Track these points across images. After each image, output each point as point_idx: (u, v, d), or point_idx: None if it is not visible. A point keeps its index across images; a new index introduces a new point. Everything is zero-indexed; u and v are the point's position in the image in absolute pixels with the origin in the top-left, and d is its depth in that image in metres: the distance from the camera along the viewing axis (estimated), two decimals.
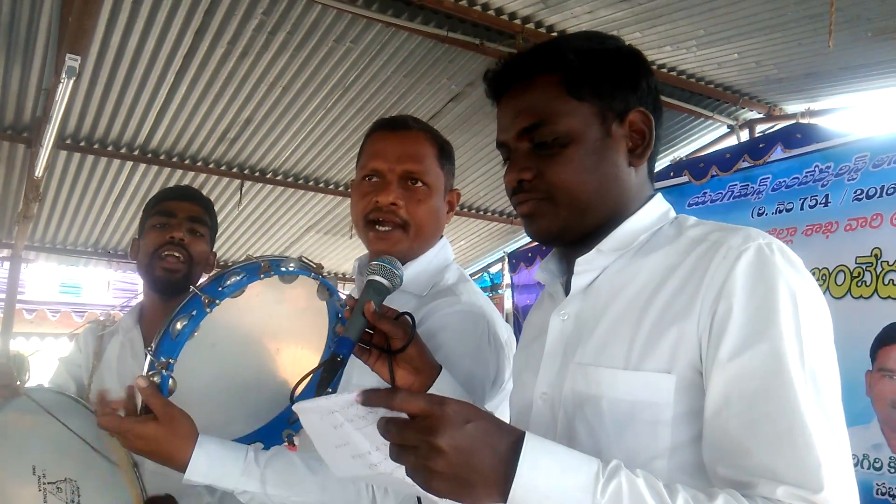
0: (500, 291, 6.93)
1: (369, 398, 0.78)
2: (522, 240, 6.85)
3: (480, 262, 7.51)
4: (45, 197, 5.23)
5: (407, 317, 1.14)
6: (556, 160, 0.97)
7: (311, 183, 5.58)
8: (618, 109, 0.99)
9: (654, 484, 0.76)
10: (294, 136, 4.87)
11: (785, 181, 3.83)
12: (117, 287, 6.89)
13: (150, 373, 1.14)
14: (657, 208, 1.02)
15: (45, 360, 6.55)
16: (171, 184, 5.25)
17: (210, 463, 1.15)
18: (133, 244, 1.78)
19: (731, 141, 5.11)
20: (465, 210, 6.21)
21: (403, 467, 0.79)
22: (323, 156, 5.18)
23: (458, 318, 1.32)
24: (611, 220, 0.99)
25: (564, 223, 0.99)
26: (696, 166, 4.47)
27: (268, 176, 5.41)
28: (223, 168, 5.24)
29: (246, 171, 5.33)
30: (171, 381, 1.14)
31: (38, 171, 3.98)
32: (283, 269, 1.20)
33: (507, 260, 6.75)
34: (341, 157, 5.21)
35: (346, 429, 0.83)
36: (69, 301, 7.05)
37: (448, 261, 1.47)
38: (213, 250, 1.85)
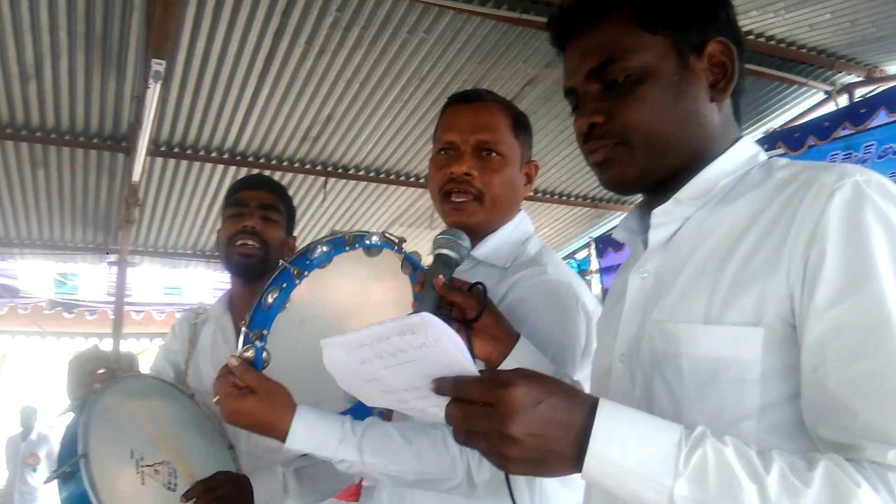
0: (587, 278, 6.81)
1: (438, 386, 0.77)
2: (609, 224, 6.71)
3: (566, 249, 7.40)
4: (145, 203, 5.51)
5: (479, 287, 1.13)
6: (629, 99, 0.90)
7: (392, 176, 5.64)
8: (695, 41, 0.91)
9: (745, 452, 0.70)
10: (374, 130, 4.94)
11: (892, 147, 3.59)
12: (217, 287, 7.18)
13: (246, 346, 1.17)
14: (744, 151, 0.93)
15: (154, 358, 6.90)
16: None
17: (309, 432, 1.17)
18: (217, 236, 1.84)
19: (829, 108, 4.82)
20: (549, 196, 6.13)
21: (436, 405, 0.78)
22: (402, 148, 5.23)
23: (543, 287, 1.30)
24: (693, 163, 0.91)
25: (642, 168, 0.91)
26: (791, 137, 4.25)
27: (350, 172, 5.51)
28: (307, 166, 5.37)
29: (329, 168, 5.45)
30: (265, 352, 1.17)
31: (136, 175, 4.19)
32: (368, 242, 1.22)
33: (593, 245, 6.63)
34: (420, 149, 5.24)
35: (374, 365, 0.82)
36: (173, 302, 7.42)
37: (528, 233, 1.45)
38: (294, 235, 1.88)
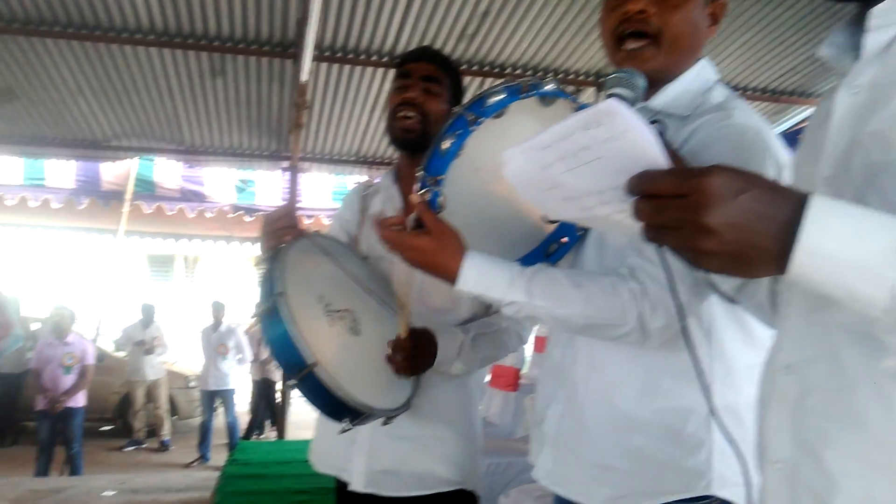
0: None
1: (630, 186, 0.74)
2: (791, 120, 6.15)
3: None
4: (312, 109, 5.76)
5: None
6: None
7: (550, 75, 5.48)
8: None
9: None
10: (531, 24, 4.78)
11: None
12: None
13: (422, 191, 1.20)
14: None
15: None
16: None
17: (479, 274, 1.19)
18: (387, 106, 1.88)
19: None
20: None
21: (620, 210, 0.74)
22: (561, 43, 5.04)
23: (728, 132, 1.19)
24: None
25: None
26: None
27: (507, 71, 5.41)
28: (464, 67, 5.33)
29: (486, 68, 5.38)
30: (440, 197, 1.20)
31: (304, 75, 4.35)
32: (543, 89, 1.19)
33: None
34: (581, 43, 5.03)
35: (556, 169, 0.80)
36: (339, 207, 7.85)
37: (711, 81, 1.33)
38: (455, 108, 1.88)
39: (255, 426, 8.36)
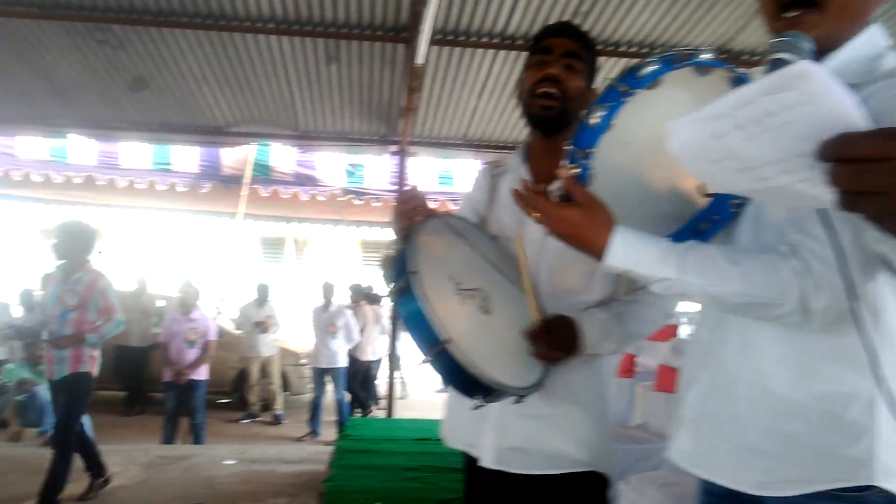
0: None
1: (824, 151, 0.69)
2: None
3: None
4: (421, 93, 5.81)
5: None
6: None
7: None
8: None
9: None
10: (647, 1, 4.62)
11: None
12: None
13: (571, 164, 1.18)
14: None
15: None
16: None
17: (628, 249, 1.16)
18: (518, 84, 1.85)
19: None
20: None
21: (804, 179, 0.69)
22: (681, 18, 4.84)
23: None
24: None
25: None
26: None
27: (621, 49, 5.25)
28: None
29: (600, 47, 5.24)
30: (589, 171, 1.17)
31: (419, 58, 4.37)
32: (700, 58, 1.14)
33: None
34: (701, 18, 4.81)
35: (730, 139, 0.75)
36: (445, 191, 7.89)
37: (883, 47, 1.22)
38: (594, 87, 1.83)
39: (356, 404, 8.62)
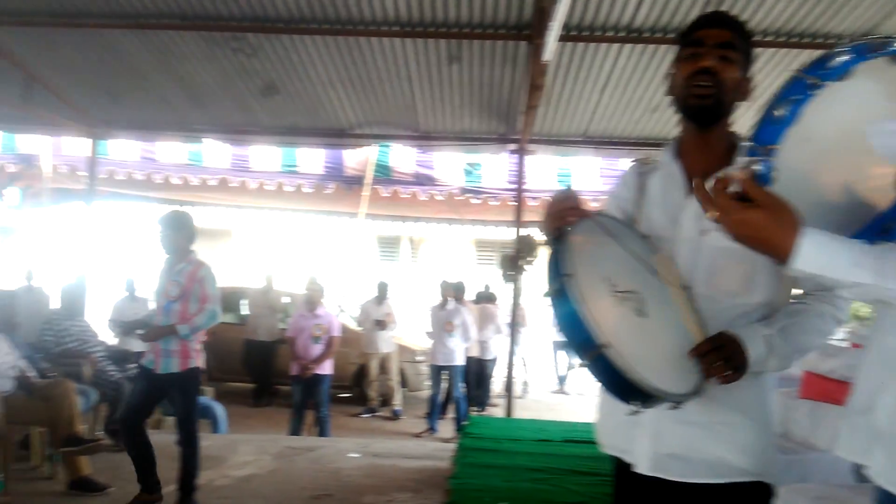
0: None
1: None
2: None
3: None
4: (541, 91, 5.74)
5: None
6: None
7: (803, 38, 4.95)
8: None
9: None
10: None
11: None
12: (605, 175, 7.33)
13: (751, 160, 1.11)
14: None
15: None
16: (656, 64, 5.26)
17: (818, 252, 1.09)
18: (669, 78, 1.78)
19: None
20: None
21: None
22: (823, 4, 4.54)
23: None
24: None
25: None
26: None
27: (756, 38, 4.96)
28: None
29: None
30: (772, 169, 1.10)
31: (547, 55, 4.32)
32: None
33: None
34: (846, 2, 4.48)
35: None
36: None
37: None
38: (749, 76, 1.73)
39: (471, 402, 8.65)
